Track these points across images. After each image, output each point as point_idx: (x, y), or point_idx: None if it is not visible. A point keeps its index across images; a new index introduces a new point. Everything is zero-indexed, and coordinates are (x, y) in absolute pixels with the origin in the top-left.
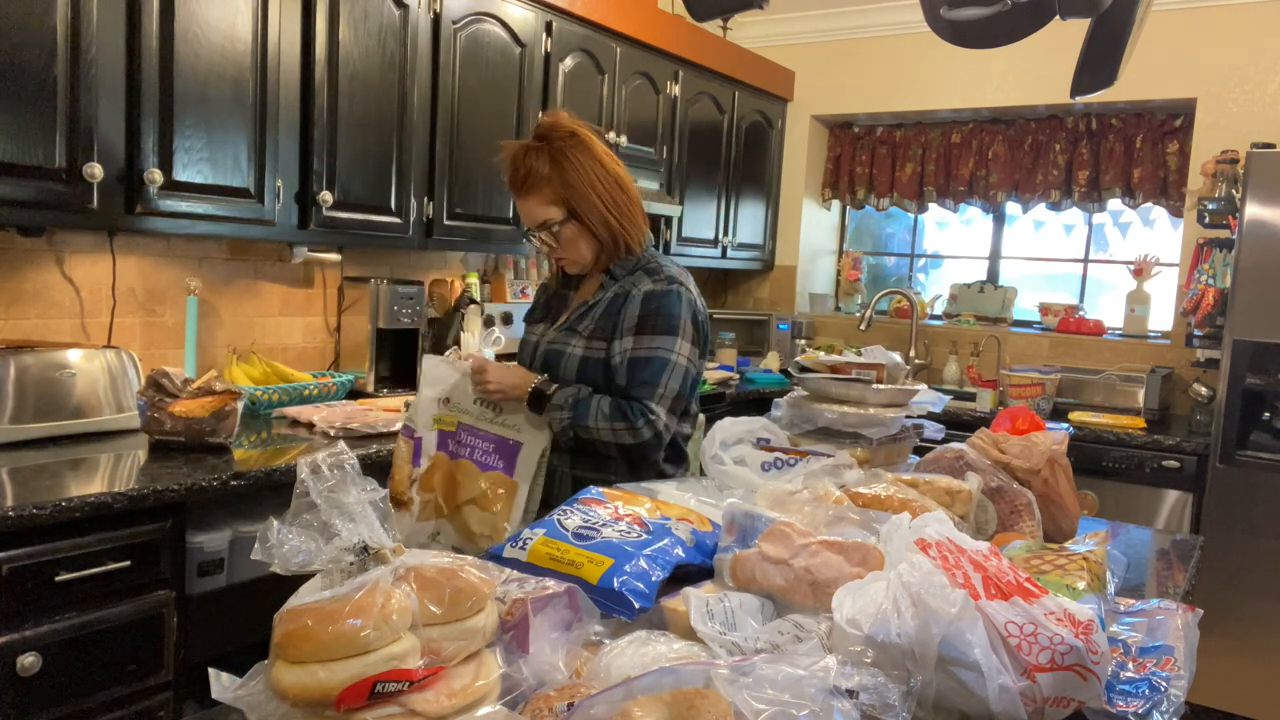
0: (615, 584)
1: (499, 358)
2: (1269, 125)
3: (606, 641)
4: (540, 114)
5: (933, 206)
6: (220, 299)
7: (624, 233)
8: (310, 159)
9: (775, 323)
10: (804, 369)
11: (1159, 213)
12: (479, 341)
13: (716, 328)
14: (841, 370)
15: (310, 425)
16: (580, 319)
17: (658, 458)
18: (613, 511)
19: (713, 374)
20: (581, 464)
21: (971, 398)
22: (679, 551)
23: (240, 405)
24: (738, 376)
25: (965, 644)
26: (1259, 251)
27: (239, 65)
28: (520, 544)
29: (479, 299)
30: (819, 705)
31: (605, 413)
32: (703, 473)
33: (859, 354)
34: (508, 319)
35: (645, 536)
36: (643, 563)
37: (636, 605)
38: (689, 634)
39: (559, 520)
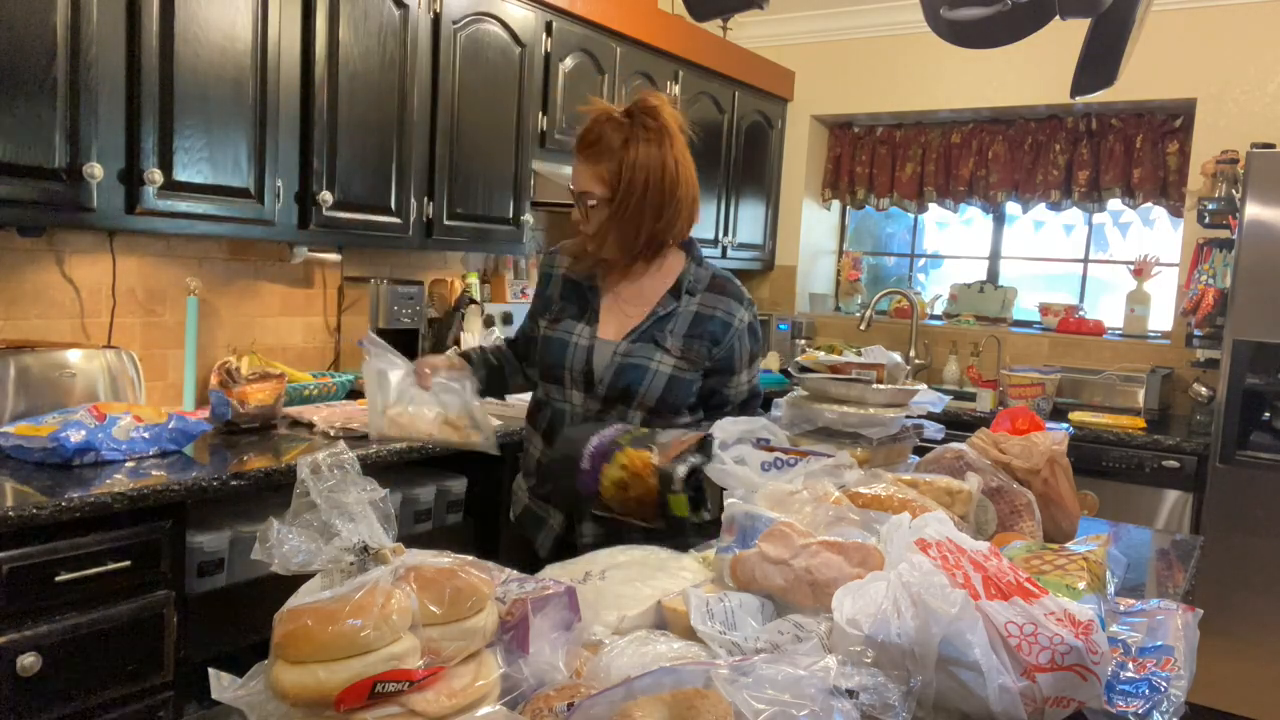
0: None
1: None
2: (1269, 125)
3: (606, 641)
4: (540, 114)
5: (933, 206)
6: (220, 299)
7: (655, 239)
8: (310, 159)
9: (775, 323)
10: (804, 369)
11: (1159, 213)
12: (478, 341)
13: None
14: (841, 370)
15: (310, 425)
16: (656, 328)
17: None
18: None
19: None
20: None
21: (971, 398)
22: None
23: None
24: None
25: (965, 644)
26: (1259, 251)
27: (239, 65)
28: None
29: (479, 299)
30: (819, 705)
31: None
32: None
33: (859, 354)
34: (508, 319)
35: None
36: None
37: None
38: (689, 634)
39: None
